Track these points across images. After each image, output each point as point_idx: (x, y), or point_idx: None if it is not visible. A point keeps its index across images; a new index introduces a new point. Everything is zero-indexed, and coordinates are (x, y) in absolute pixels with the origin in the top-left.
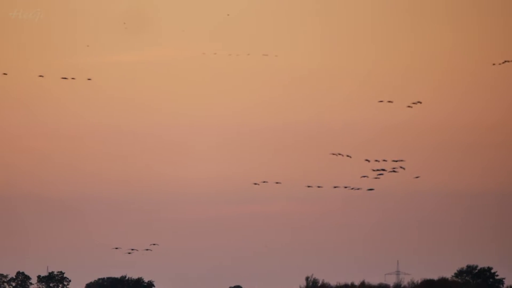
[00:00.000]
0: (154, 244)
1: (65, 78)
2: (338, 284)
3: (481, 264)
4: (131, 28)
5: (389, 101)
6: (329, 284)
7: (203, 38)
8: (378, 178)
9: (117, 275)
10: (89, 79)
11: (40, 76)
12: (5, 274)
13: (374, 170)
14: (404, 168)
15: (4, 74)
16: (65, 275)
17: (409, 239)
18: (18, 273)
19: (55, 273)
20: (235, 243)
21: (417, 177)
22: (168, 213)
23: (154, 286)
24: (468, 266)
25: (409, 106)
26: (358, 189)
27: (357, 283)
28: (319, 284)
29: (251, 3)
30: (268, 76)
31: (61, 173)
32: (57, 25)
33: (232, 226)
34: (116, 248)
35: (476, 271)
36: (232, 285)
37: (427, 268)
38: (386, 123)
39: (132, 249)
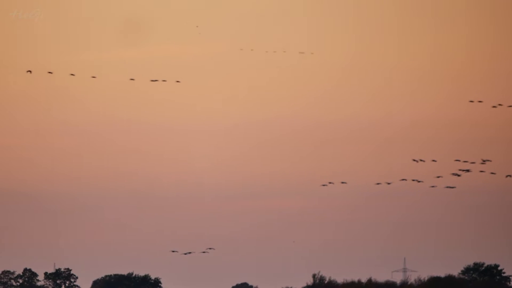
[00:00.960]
0: (210, 248)
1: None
2: (345, 281)
3: (488, 261)
4: (135, 25)
5: (479, 101)
6: (336, 281)
7: (240, 34)
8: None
9: (124, 272)
10: (93, 77)
11: (49, 72)
12: (12, 270)
13: (463, 168)
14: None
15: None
16: (72, 272)
17: (416, 236)
18: (25, 269)
19: (62, 269)
20: (241, 239)
21: (508, 176)
22: (174, 209)
23: (161, 283)
24: (475, 264)
25: (494, 106)
26: (433, 186)
27: (364, 280)
28: (326, 281)
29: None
30: (306, 72)
31: (69, 171)
32: (57, 25)
33: (236, 222)
34: (173, 251)
35: (483, 268)
36: (239, 282)
37: (434, 265)
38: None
39: (189, 252)
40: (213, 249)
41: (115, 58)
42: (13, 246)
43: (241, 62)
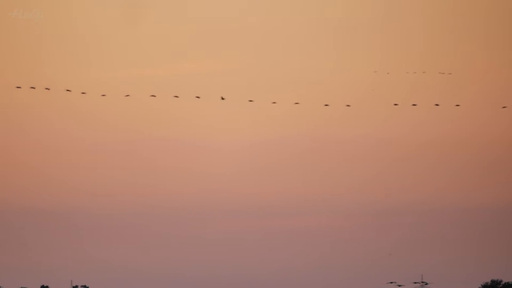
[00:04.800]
0: (425, 283)
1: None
2: None
3: (506, 279)
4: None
5: None
6: None
7: (376, 55)
8: None
9: None
10: (103, 95)
11: (32, 87)
12: None
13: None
14: None
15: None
16: None
17: (434, 252)
18: (42, 286)
19: (79, 287)
20: (256, 256)
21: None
22: (194, 226)
23: None
24: (493, 281)
25: None
26: None
27: None
28: None
29: (429, 22)
30: (446, 95)
31: (87, 187)
32: (59, 26)
33: (246, 239)
34: (391, 283)
35: (501, 286)
36: None
37: (451, 282)
38: None
39: (399, 285)
40: (428, 283)
41: (134, 75)
42: (30, 263)
43: (377, 84)
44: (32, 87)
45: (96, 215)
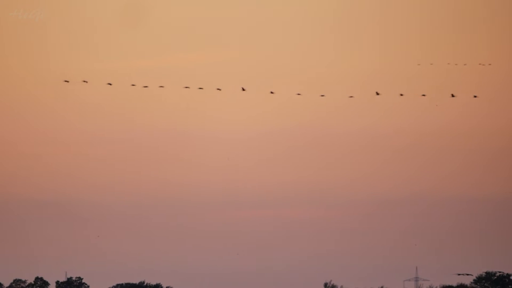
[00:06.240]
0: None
1: (85, 81)
2: None
3: (501, 270)
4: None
5: None
6: None
7: (416, 47)
8: None
9: (136, 281)
10: (85, 81)
11: (30, 80)
12: (23, 279)
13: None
14: None
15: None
16: (83, 281)
17: (428, 245)
18: (37, 278)
19: (74, 278)
20: (254, 248)
21: None
22: (186, 218)
23: None
24: (487, 273)
25: None
26: None
27: None
28: None
29: (470, 14)
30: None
31: (82, 179)
32: (59, 26)
33: (248, 231)
34: (459, 274)
35: (495, 277)
36: None
37: (446, 275)
38: None
39: (468, 274)
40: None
41: (132, 66)
42: (25, 254)
43: (417, 76)
44: (30, 80)
45: (91, 206)
